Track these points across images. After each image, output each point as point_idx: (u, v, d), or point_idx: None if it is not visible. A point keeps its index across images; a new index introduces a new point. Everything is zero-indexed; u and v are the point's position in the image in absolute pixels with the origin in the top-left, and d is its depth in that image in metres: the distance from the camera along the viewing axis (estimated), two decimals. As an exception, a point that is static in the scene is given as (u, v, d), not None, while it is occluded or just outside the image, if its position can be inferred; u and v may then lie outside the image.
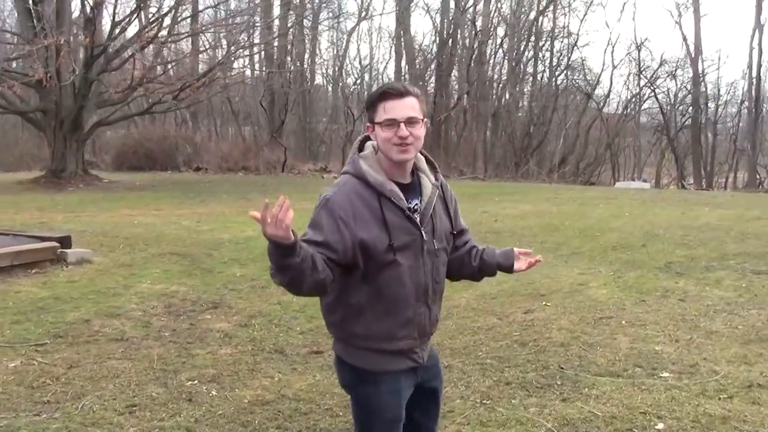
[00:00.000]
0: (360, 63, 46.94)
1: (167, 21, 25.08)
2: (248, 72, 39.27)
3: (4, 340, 6.24)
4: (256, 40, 32.37)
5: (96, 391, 5.10)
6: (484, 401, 4.94)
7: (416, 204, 2.80)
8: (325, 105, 46.35)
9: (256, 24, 29.34)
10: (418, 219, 2.77)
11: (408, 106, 2.71)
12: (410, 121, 2.70)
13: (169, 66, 27.33)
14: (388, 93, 2.72)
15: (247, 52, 31.20)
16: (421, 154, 2.90)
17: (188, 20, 29.78)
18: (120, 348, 6.11)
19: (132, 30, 24.51)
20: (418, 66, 42.55)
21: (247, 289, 8.34)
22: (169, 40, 25.13)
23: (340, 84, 44.31)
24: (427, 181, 2.87)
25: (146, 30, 23.14)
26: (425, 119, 2.77)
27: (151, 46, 24.77)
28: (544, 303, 7.72)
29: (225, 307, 7.50)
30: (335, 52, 45.25)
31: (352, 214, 2.66)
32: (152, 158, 33.13)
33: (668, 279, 8.95)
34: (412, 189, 2.83)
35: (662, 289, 8.37)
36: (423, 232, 2.78)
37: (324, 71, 47.78)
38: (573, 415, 4.68)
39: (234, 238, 12.06)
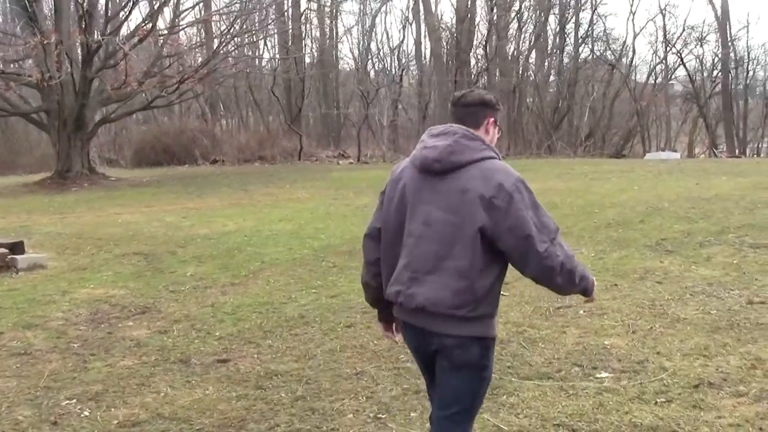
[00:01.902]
0: (389, 46, 46.25)
1: (168, 14, 24.65)
2: (258, 61, 38.52)
3: None
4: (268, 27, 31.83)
5: (-40, 417, 4.60)
6: (380, 415, 4.32)
7: None
8: (351, 90, 45.64)
9: (254, 11, 28.58)
10: None
11: None
12: None
13: (180, 57, 26.76)
14: None
15: (251, 39, 30.38)
16: None
17: (193, 11, 29.28)
18: (16, 363, 5.61)
19: (131, 25, 24.13)
20: (444, 45, 41.47)
21: (188, 290, 7.80)
22: (173, 32, 24.69)
23: (369, 68, 43.63)
24: None
25: (143, 24, 22.72)
26: None
27: (154, 40, 24.36)
28: (502, 293, 7.04)
29: (153, 312, 6.96)
30: (359, 35, 44.54)
31: None
32: (170, 153, 32.67)
33: (654, 258, 8.25)
34: None
35: (642, 271, 7.69)
36: None
37: (352, 55, 47.22)
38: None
39: (210, 233, 11.58)
